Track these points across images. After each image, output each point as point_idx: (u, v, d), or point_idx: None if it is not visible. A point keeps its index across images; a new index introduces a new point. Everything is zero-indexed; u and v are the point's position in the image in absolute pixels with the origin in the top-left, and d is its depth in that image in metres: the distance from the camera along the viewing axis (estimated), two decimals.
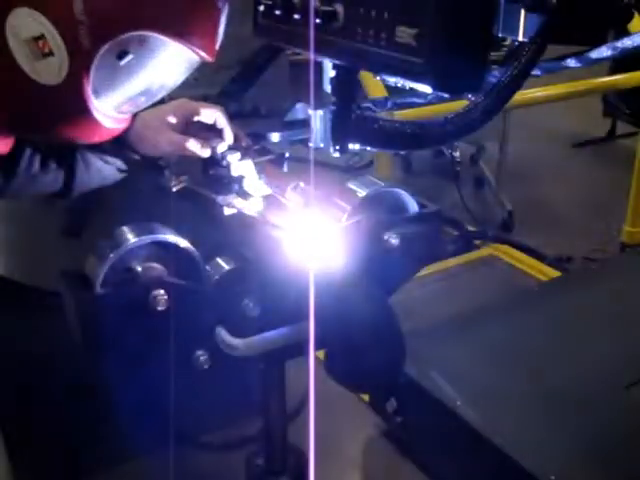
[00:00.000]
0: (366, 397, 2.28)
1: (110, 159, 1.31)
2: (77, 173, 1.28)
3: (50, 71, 0.98)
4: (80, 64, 0.97)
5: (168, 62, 1.03)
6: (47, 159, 1.26)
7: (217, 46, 1.05)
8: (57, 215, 1.41)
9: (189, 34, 1.01)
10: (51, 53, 0.96)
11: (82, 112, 1.02)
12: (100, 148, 1.27)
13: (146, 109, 1.16)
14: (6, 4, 0.96)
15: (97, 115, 1.04)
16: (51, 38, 0.95)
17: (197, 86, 1.11)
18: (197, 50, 1.03)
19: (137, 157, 1.32)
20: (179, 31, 1.00)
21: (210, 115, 1.33)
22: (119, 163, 1.32)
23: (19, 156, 1.23)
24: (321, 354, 1.17)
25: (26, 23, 0.96)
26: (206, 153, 1.31)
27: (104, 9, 0.96)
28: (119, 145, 1.27)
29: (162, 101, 1.18)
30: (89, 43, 0.96)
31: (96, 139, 1.11)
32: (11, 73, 0.99)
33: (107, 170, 1.31)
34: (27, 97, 1.01)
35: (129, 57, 0.99)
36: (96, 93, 1.01)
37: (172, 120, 1.32)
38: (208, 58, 1.05)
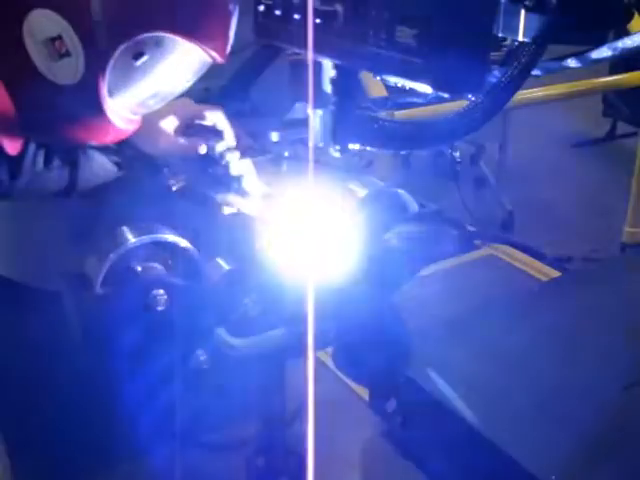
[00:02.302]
0: (366, 397, 2.28)
1: (112, 156, 1.31)
2: (80, 170, 1.29)
3: (66, 71, 0.98)
4: (96, 64, 0.98)
5: (182, 63, 1.05)
6: (51, 157, 1.26)
7: (229, 48, 1.06)
8: (58, 215, 1.41)
9: (203, 36, 1.02)
10: (68, 54, 0.97)
11: (96, 112, 1.03)
12: (102, 146, 1.27)
13: None
14: (24, 6, 0.96)
15: (111, 115, 1.04)
16: (68, 39, 0.96)
17: (199, 78, 1.11)
18: (210, 51, 1.04)
19: (137, 155, 1.32)
20: (194, 33, 1.01)
21: (211, 117, 1.34)
22: (120, 160, 1.32)
23: (23, 154, 1.23)
24: (321, 354, 1.17)
25: (43, 24, 0.96)
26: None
27: (121, 10, 0.97)
28: (120, 143, 1.27)
29: None
30: (106, 44, 0.97)
31: (107, 140, 1.12)
32: (28, 74, 0.99)
33: (109, 166, 1.31)
34: (43, 97, 1.02)
35: (144, 58, 1.00)
36: (111, 93, 1.02)
37: (173, 120, 1.32)
38: (220, 59, 1.06)
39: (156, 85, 1.06)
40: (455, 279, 3.06)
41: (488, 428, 1.84)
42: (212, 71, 1.11)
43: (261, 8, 1.09)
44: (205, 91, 1.64)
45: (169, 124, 1.32)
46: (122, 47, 0.98)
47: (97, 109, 1.03)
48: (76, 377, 1.41)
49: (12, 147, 1.12)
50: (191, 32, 1.01)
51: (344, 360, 1.18)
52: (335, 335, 1.17)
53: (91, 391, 1.48)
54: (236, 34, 1.08)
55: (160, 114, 1.31)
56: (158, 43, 1.00)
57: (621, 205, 3.30)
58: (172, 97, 1.12)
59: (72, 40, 0.96)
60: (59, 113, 1.05)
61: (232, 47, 1.08)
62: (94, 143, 1.15)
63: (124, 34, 0.98)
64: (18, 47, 0.98)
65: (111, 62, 0.98)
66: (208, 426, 2.05)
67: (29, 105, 1.04)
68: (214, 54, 1.05)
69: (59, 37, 0.96)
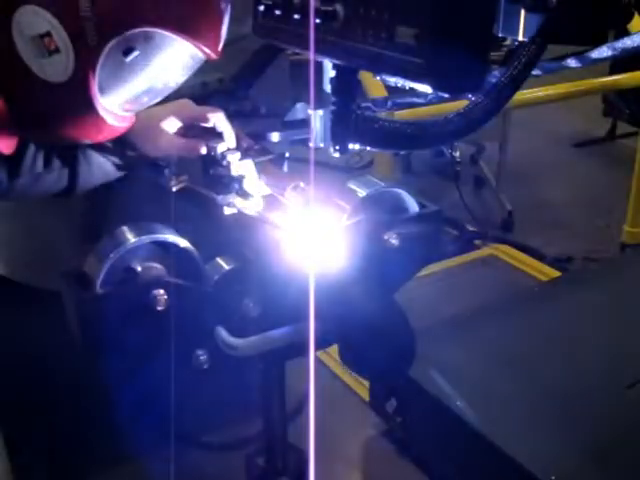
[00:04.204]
0: (366, 397, 2.28)
1: (111, 157, 1.31)
2: (80, 171, 1.28)
3: (56, 68, 0.98)
4: (86, 61, 0.98)
5: (173, 59, 1.04)
6: (50, 157, 1.26)
7: (221, 44, 1.06)
8: (58, 215, 1.41)
9: (194, 31, 1.01)
10: (57, 50, 0.96)
11: (88, 109, 1.03)
12: (101, 147, 1.27)
13: (149, 108, 1.16)
14: (12, 2, 0.96)
15: (102, 112, 1.04)
16: (57, 35, 0.96)
17: (196, 72, 1.10)
18: (202, 47, 1.03)
19: (137, 156, 1.32)
20: (184, 28, 1.00)
21: (211, 118, 1.33)
22: (120, 161, 1.32)
23: (22, 155, 1.23)
24: (321, 354, 1.17)
25: (32, 20, 0.96)
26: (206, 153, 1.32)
27: (110, 5, 0.96)
28: (120, 144, 1.27)
29: (166, 99, 1.18)
30: (95, 40, 0.97)
31: (100, 138, 1.11)
32: (17, 71, 0.99)
33: (109, 167, 1.31)
34: (33, 95, 1.02)
35: (135, 54, 0.99)
36: (102, 90, 1.02)
37: (174, 122, 1.32)
38: (212, 55, 1.05)
39: (148, 81, 1.05)
40: (455, 279, 3.07)
41: (488, 428, 1.84)
42: (208, 65, 1.11)
43: (261, 8, 1.08)
44: (203, 86, 1.64)
45: (170, 125, 1.31)
46: (112, 43, 0.97)
47: (88, 106, 1.02)
48: (76, 377, 1.41)
49: (6, 146, 1.12)
50: (182, 28, 1.00)
51: (349, 355, 1.18)
52: (337, 333, 1.17)
53: (91, 391, 1.48)
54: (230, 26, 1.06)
55: (161, 115, 1.31)
56: (148, 39, 0.99)
57: (621, 205, 3.30)
58: (166, 93, 1.12)
59: (61, 36, 0.96)
60: (50, 111, 1.04)
61: (227, 39, 1.07)
62: (87, 141, 1.14)
63: (113, 30, 0.97)
64: (7, 44, 0.98)
65: (101, 58, 0.98)
66: (208, 426, 2.05)
67: (20, 103, 1.03)
68: (207, 50, 1.04)
69: (48, 34, 0.96)
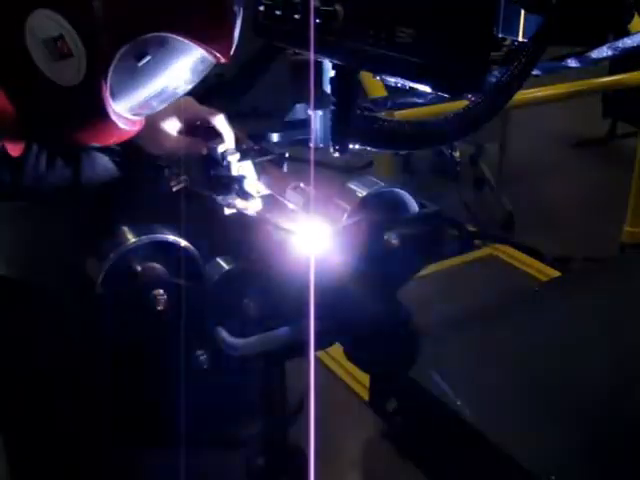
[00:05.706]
0: (366, 397, 2.29)
1: (114, 156, 1.31)
2: (83, 170, 1.28)
3: (68, 72, 0.98)
4: (99, 65, 0.98)
5: (185, 64, 1.04)
6: (53, 158, 1.26)
7: (233, 49, 1.06)
8: (59, 215, 1.41)
9: (207, 36, 1.02)
10: (70, 54, 0.96)
11: (99, 113, 1.03)
12: (104, 146, 1.27)
13: None
14: (26, 5, 0.96)
15: (113, 116, 1.04)
16: (70, 39, 0.96)
17: None
18: (214, 52, 1.03)
19: (140, 155, 1.32)
20: (197, 33, 1.00)
21: (212, 119, 1.34)
22: (122, 160, 1.32)
23: (26, 155, 1.23)
24: (321, 354, 1.17)
25: (45, 24, 0.96)
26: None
27: (123, 10, 0.96)
28: (122, 143, 1.27)
29: None
30: (108, 44, 0.97)
31: (111, 142, 1.12)
32: (29, 74, 0.99)
33: (111, 166, 1.31)
34: (44, 98, 1.02)
35: (147, 58, 0.99)
36: (113, 94, 1.01)
37: (176, 121, 1.32)
38: (223, 59, 1.05)
39: (159, 85, 1.06)
40: (455, 279, 3.07)
41: (488, 428, 1.85)
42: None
43: (261, 8, 1.09)
44: (202, 82, 1.64)
45: (172, 124, 1.31)
46: (124, 48, 0.98)
47: (100, 110, 1.02)
48: (76, 377, 1.41)
49: (14, 149, 1.12)
50: (195, 33, 1.01)
51: (352, 353, 1.19)
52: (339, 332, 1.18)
53: (90, 391, 1.48)
54: None
55: (163, 114, 1.31)
56: (161, 43, 1.00)
57: (621, 205, 3.30)
58: (175, 98, 1.12)
59: (74, 40, 0.96)
60: (61, 114, 1.04)
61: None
62: (97, 145, 1.15)
63: (126, 34, 0.97)
64: (20, 48, 0.98)
65: (113, 63, 0.98)
66: (208, 426, 2.05)
67: (31, 107, 1.04)
68: (218, 55, 1.05)
69: (61, 37, 0.96)
